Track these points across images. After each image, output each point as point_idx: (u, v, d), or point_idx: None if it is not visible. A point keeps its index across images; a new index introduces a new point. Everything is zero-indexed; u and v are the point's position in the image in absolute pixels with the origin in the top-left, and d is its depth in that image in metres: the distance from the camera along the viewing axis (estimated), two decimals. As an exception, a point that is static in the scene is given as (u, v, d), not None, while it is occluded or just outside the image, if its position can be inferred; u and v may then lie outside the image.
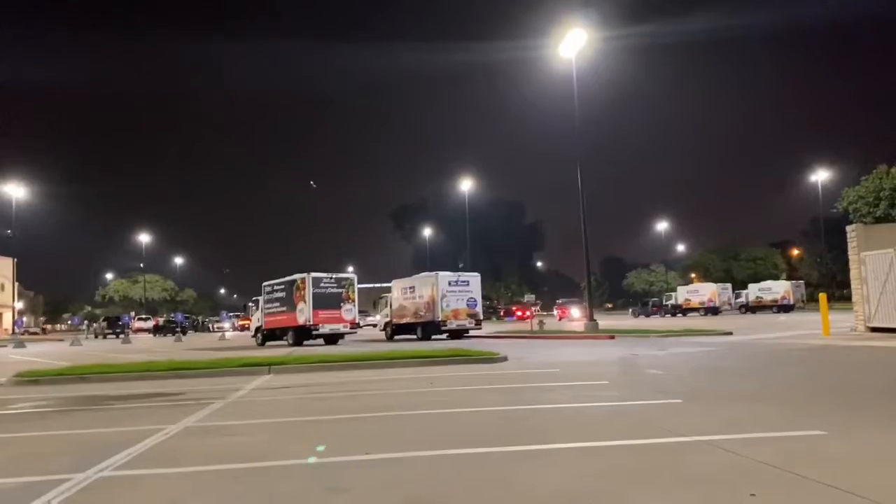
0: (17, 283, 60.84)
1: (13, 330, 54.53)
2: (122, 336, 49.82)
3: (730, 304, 67.69)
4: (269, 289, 31.43)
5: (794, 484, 4.40)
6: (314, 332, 28.19)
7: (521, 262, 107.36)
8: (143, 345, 36.92)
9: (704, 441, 5.78)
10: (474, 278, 30.94)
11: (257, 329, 32.55)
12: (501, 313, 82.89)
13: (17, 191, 51.65)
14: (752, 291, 65.77)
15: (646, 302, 74.01)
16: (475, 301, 30.30)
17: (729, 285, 71.00)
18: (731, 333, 24.08)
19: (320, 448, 5.99)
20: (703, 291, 67.54)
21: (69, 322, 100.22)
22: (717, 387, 9.92)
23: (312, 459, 5.63)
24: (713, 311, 63.37)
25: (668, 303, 68.77)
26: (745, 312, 63.17)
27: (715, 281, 74.50)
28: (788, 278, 73.23)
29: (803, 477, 4.51)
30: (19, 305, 69.07)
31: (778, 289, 64.13)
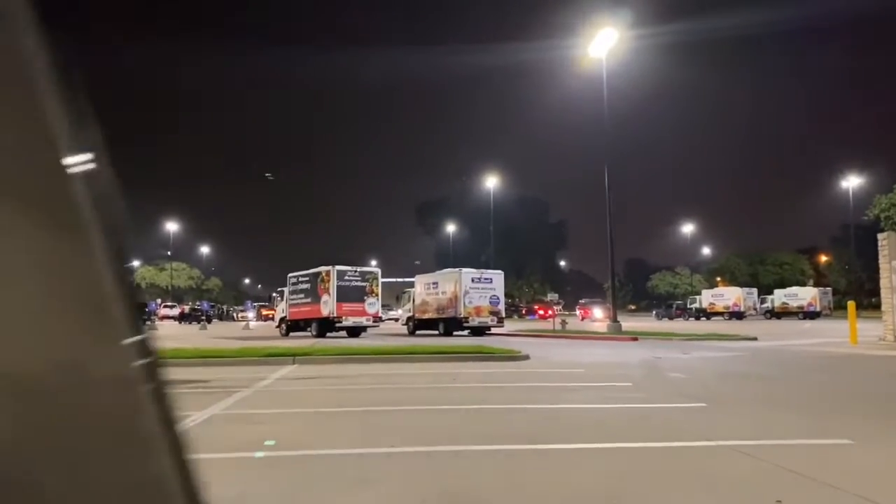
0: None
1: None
2: (147, 323, 50.27)
3: (755, 309, 66.94)
4: (294, 280, 31.71)
5: (819, 492, 4.39)
6: (337, 325, 28.41)
7: (544, 261, 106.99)
8: (169, 332, 37.42)
9: (728, 446, 5.77)
10: (497, 276, 30.94)
11: (282, 319, 32.86)
12: (523, 311, 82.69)
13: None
14: (778, 297, 65.03)
15: (670, 304, 73.45)
16: (498, 298, 30.32)
17: (755, 290, 70.21)
18: (755, 339, 23.85)
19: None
20: (728, 295, 66.90)
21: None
22: (741, 392, 9.86)
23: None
24: (738, 315, 62.73)
25: (692, 306, 68.21)
26: (770, 318, 62.45)
27: (740, 285, 73.76)
28: (815, 285, 72.28)
29: (829, 485, 4.49)
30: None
31: (804, 295, 63.33)
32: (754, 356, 16.88)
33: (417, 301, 32.58)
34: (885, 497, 4.20)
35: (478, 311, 29.61)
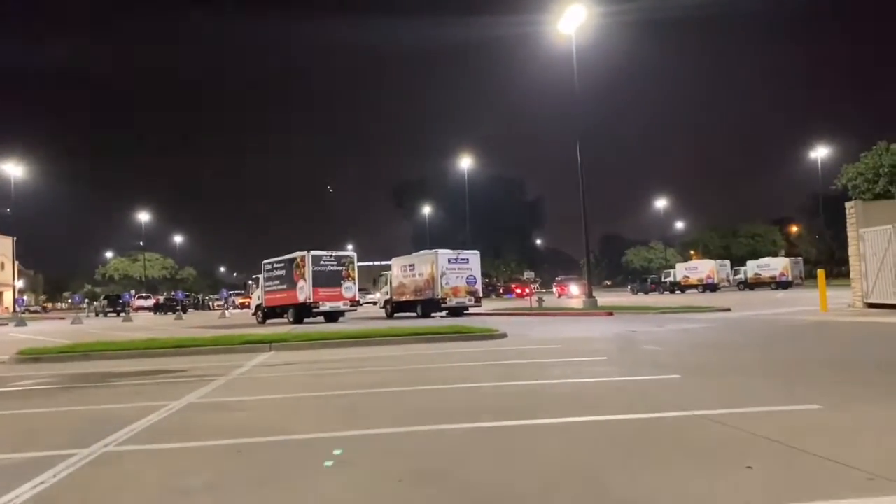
0: (17, 262, 60.90)
1: (14, 308, 54.67)
2: (122, 314, 49.98)
3: (728, 280, 67.85)
4: (269, 267, 31.49)
5: (791, 456, 4.47)
6: (314, 310, 28.29)
7: (520, 240, 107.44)
8: (144, 323, 37.05)
9: (702, 415, 5.85)
10: (474, 256, 30.98)
11: (258, 307, 32.66)
12: (501, 291, 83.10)
13: (15, 169, 51.45)
14: (751, 268, 65.87)
15: (644, 279, 74.14)
16: (475, 278, 30.38)
17: (727, 262, 71.08)
18: (729, 310, 24.19)
19: (338, 452, 6.04)
20: (701, 268, 67.68)
21: (70, 301, 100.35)
22: (715, 362, 10.00)
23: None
24: (712, 287, 63.53)
25: (666, 280, 68.90)
26: (743, 289, 63.31)
27: (714, 258, 74.59)
28: (787, 255, 73.36)
29: (800, 450, 4.57)
30: (20, 284, 69.20)
31: (776, 265, 64.24)
32: (727, 326, 17.12)
33: (395, 284, 32.54)
34: (854, 458, 4.28)
35: (455, 291, 29.65)
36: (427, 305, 29.86)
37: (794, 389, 7.20)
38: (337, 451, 5.03)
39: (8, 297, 72.85)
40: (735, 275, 68.63)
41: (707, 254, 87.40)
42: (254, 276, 34.93)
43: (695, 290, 63.38)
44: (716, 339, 13.75)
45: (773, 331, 15.71)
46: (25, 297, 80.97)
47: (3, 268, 65.05)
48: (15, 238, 56.62)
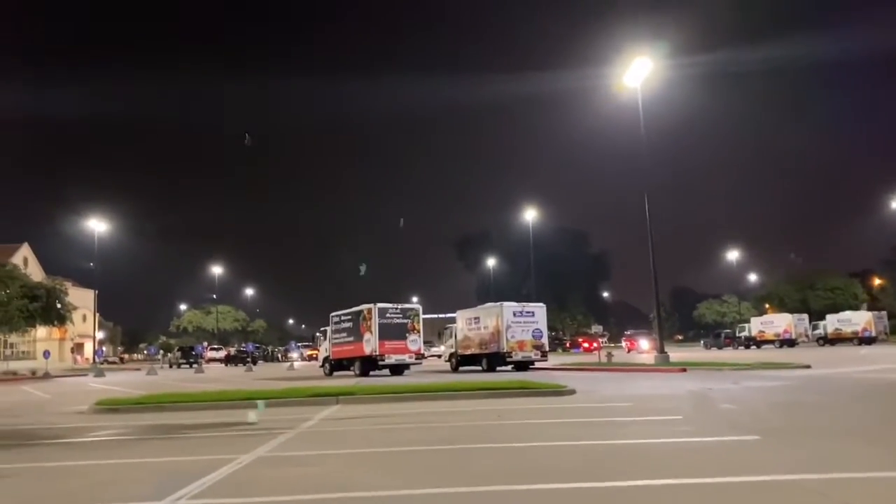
0: (97, 314, 63.50)
1: (94, 359, 56.81)
2: (195, 366, 51.28)
3: (806, 335, 65.01)
4: (336, 319, 31.88)
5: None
6: (380, 363, 28.37)
7: (587, 293, 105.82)
8: (216, 374, 37.86)
9: (786, 480, 5.54)
10: (539, 309, 30.66)
11: (325, 359, 32.96)
12: (567, 345, 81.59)
13: (98, 225, 54.13)
14: (831, 322, 63.04)
15: (718, 333, 71.78)
16: (541, 332, 29.99)
17: (805, 316, 68.23)
18: (809, 367, 23.09)
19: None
20: (777, 322, 65.16)
21: (145, 352, 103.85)
22: (796, 423, 9.51)
23: None
24: (789, 343, 61.01)
25: (741, 334, 66.58)
26: (823, 345, 60.53)
27: (790, 312, 71.74)
28: (869, 309, 69.90)
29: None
30: (100, 335, 71.93)
31: (858, 320, 61.31)
32: (808, 385, 16.32)
33: (459, 337, 32.42)
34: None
35: (521, 345, 29.30)
36: (492, 359, 29.57)
37: (887, 454, 6.75)
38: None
39: (88, 348, 75.85)
40: (814, 329, 65.75)
41: (783, 307, 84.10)
42: (321, 329, 35.39)
43: (771, 346, 60.95)
44: (796, 399, 13.10)
45: (858, 390, 14.88)
46: (104, 348, 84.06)
47: (84, 320, 67.90)
48: (97, 291, 59.17)
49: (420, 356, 29.84)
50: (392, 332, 28.59)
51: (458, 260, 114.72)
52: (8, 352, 59.47)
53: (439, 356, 42.76)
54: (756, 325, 66.80)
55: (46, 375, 40.44)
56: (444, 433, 9.34)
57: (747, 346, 62.46)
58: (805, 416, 10.41)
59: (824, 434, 8.32)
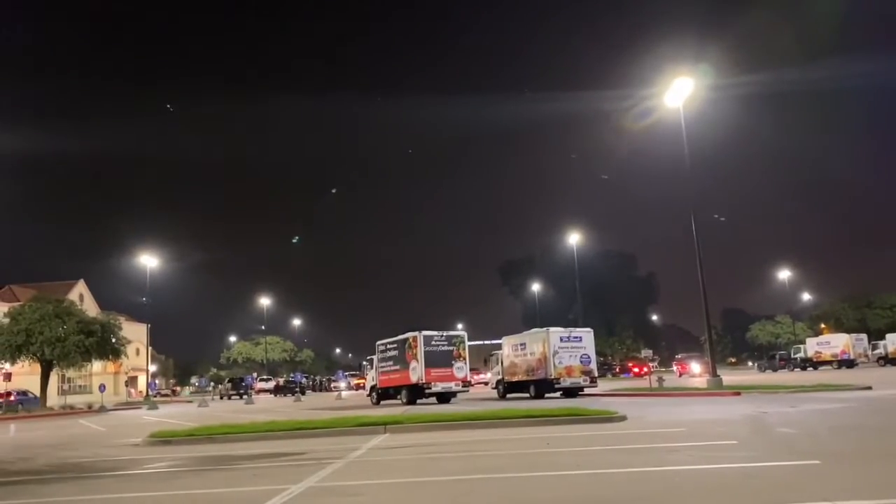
0: (150, 348, 64.96)
1: (147, 392, 57.97)
2: (245, 397, 51.93)
3: (866, 356, 62.74)
4: (382, 347, 31.97)
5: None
6: (427, 391, 28.29)
7: (635, 316, 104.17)
8: (265, 405, 38.26)
9: (852, 508, 5.33)
10: (587, 334, 30.26)
11: (372, 388, 33.03)
12: (617, 370, 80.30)
13: (150, 260, 55.61)
14: (892, 341, 60.76)
15: (772, 355, 69.80)
16: (589, 357, 29.56)
17: (864, 335, 65.94)
18: (870, 388, 22.26)
19: None
20: (835, 343, 63.07)
21: (196, 384, 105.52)
22: (859, 446, 9.16)
23: None
24: (848, 363, 58.93)
25: (796, 356, 64.61)
26: (884, 365, 58.31)
27: (847, 331, 69.44)
28: (933, 327, 67.20)
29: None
30: (152, 368, 73.54)
31: (921, 338, 58.99)
32: (869, 407, 15.72)
33: (506, 363, 32.17)
34: None
35: (569, 371, 28.89)
36: (540, 386, 29.23)
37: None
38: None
39: (142, 382, 77.41)
40: (873, 349, 63.45)
41: (839, 327, 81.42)
42: (368, 357, 35.53)
43: (828, 367, 58.95)
44: (857, 421, 12.63)
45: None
46: (157, 381, 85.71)
47: (137, 353, 69.48)
48: (149, 325, 60.58)
49: (466, 383, 29.68)
50: (438, 359, 28.54)
51: (503, 285, 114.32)
52: (66, 386, 60.95)
53: (486, 383, 42.48)
54: (812, 346, 64.78)
55: (102, 408, 41.44)
56: (491, 462, 9.25)
57: (803, 368, 60.54)
58: (867, 439, 10.02)
59: (888, 458, 7.99)
